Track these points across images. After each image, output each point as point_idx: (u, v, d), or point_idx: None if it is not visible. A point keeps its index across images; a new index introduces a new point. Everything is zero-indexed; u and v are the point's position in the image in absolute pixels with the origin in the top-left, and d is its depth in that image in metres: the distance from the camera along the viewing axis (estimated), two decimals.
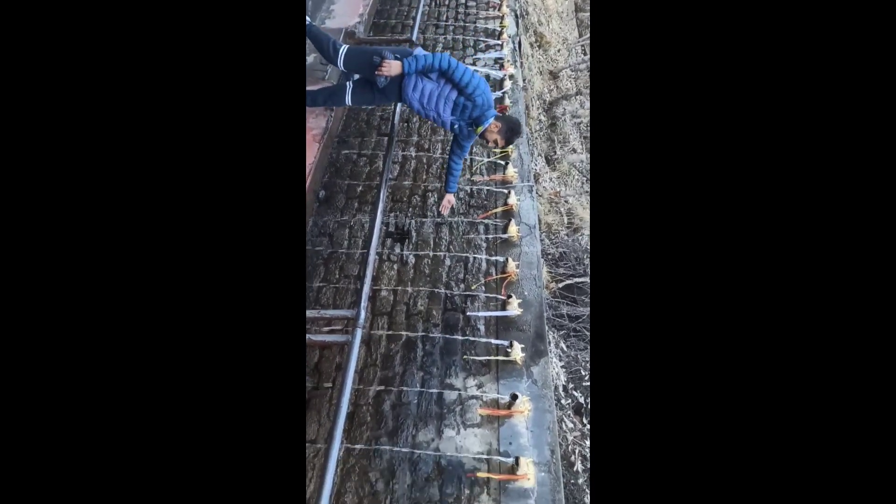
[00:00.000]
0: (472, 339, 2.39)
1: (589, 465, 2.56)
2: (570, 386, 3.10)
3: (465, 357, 2.35)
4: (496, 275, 2.68)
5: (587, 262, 4.58)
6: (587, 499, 2.09)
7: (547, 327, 2.52)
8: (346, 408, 1.92)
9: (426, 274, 2.73)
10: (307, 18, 2.58)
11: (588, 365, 3.34)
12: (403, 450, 2.04)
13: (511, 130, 2.41)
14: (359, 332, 2.02)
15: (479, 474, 1.96)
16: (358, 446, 2.06)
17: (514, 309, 2.44)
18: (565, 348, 3.34)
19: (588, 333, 3.84)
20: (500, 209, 2.97)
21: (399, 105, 3.26)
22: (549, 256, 4.65)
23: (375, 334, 2.45)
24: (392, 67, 2.29)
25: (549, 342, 2.64)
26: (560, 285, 3.95)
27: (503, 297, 2.51)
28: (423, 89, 2.34)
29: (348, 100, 2.56)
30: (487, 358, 2.33)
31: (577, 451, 2.38)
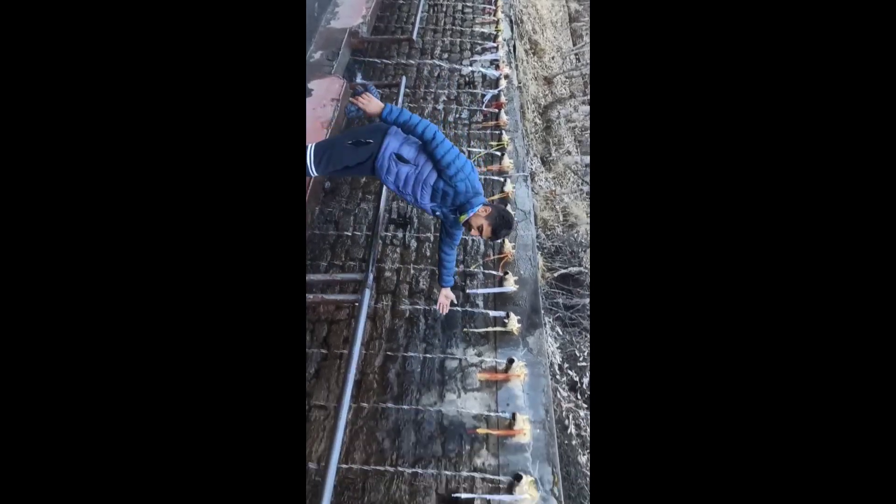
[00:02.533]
0: (470, 310, 2.54)
1: (589, 437, 2.69)
2: (566, 366, 3.24)
3: (465, 329, 2.50)
4: (493, 256, 2.84)
5: (582, 255, 4.74)
6: (581, 458, 2.23)
7: (542, 305, 2.68)
8: (354, 372, 2.06)
9: (427, 256, 2.89)
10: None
11: (582, 348, 3.49)
12: (406, 407, 2.18)
13: (500, 218, 2.00)
14: (367, 292, 2.16)
15: (479, 431, 2.10)
16: (366, 405, 2.20)
17: (510, 285, 2.59)
18: (560, 332, 3.49)
19: (583, 321, 4.00)
20: (496, 197, 3.14)
21: (402, 95, 3.44)
22: (545, 250, 4.82)
23: (380, 309, 2.60)
24: (372, 104, 1.97)
25: (545, 324, 2.79)
26: (555, 275, 4.11)
27: (500, 275, 2.66)
28: (398, 173, 2.02)
29: (311, 170, 2.13)
30: (486, 329, 2.48)
31: (570, 417, 2.51)
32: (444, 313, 2.41)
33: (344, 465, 2.02)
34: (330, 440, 1.90)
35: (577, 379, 3.14)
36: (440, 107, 3.96)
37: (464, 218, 2.02)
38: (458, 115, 3.89)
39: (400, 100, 3.74)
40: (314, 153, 2.11)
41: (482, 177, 3.31)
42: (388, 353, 2.42)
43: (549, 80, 8.23)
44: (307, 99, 3.15)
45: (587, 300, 4.13)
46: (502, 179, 3.21)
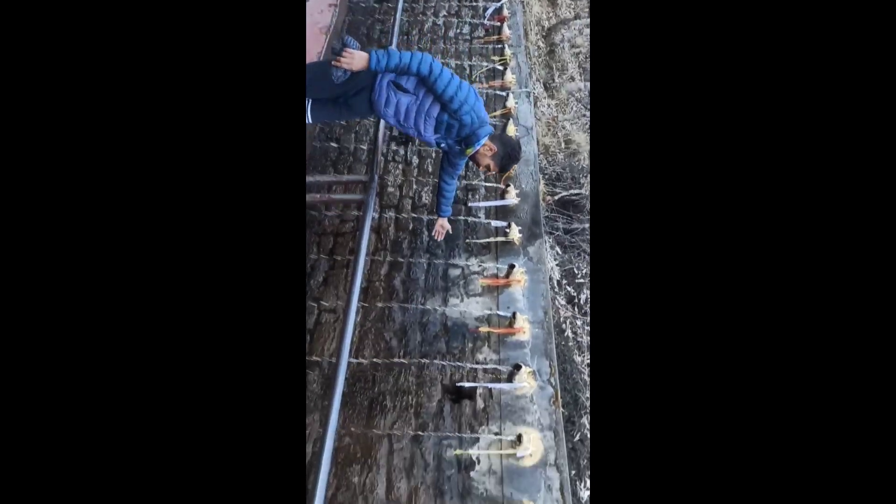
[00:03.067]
0: (473, 219, 2.61)
1: (584, 342, 2.84)
2: (564, 282, 3.35)
3: (467, 241, 2.57)
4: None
5: (583, 181, 4.74)
6: (576, 357, 2.38)
7: (543, 221, 2.73)
8: (360, 276, 2.15)
9: (429, 172, 2.90)
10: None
11: (581, 266, 3.59)
12: (411, 306, 2.30)
13: (508, 156, 2.00)
14: (373, 191, 2.21)
15: (482, 329, 2.22)
16: (373, 308, 2.31)
17: (511, 198, 2.63)
18: (560, 252, 3.57)
19: (582, 244, 4.07)
20: (498, 113, 3.10)
21: (400, 10, 3.31)
22: (547, 176, 4.81)
23: (384, 221, 2.66)
24: (355, 59, 1.77)
25: (545, 234, 2.85)
26: (556, 198, 4.14)
27: (502, 187, 2.69)
28: (398, 105, 1.89)
29: (308, 117, 2.04)
30: (488, 240, 2.55)
31: (567, 323, 2.64)
32: (440, 239, 2.44)
33: (354, 360, 2.16)
34: (340, 339, 2.02)
35: (574, 294, 3.26)
36: (440, 21, 3.81)
37: (470, 151, 1.96)
38: (458, 30, 3.74)
39: (398, 15, 3.60)
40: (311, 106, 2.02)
41: (483, 92, 3.25)
42: (393, 262, 2.50)
43: (552, 2, 7.81)
44: (306, 4, 3.03)
45: (587, 225, 4.18)
46: (504, 94, 3.15)
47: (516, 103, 3.11)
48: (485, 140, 1.93)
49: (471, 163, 2.22)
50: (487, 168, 2.03)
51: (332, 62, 1.82)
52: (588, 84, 6.78)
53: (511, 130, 2.94)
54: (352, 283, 2.15)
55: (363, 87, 1.95)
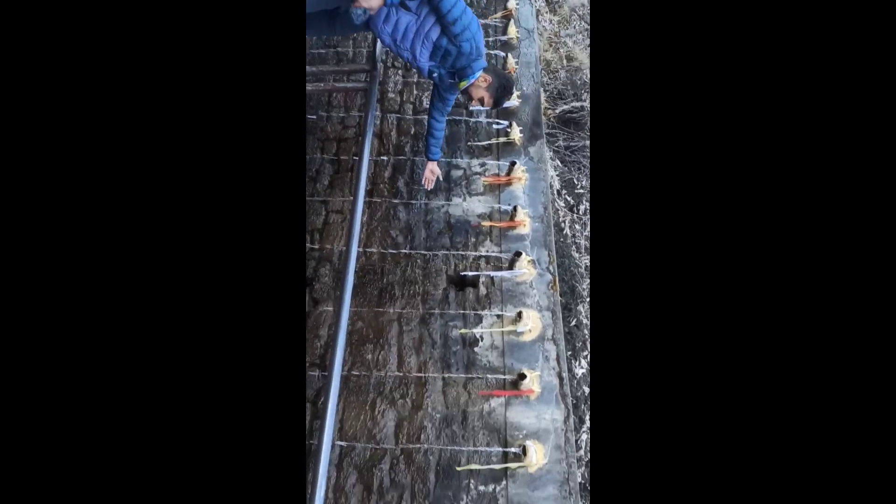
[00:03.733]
0: (473, 120, 2.63)
1: (582, 243, 2.95)
2: (564, 192, 3.42)
3: (468, 143, 2.60)
4: None
5: (584, 96, 4.67)
6: (574, 253, 2.50)
7: (543, 122, 2.74)
8: (366, 172, 2.21)
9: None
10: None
11: (580, 178, 3.63)
12: (415, 202, 2.38)
13: (502, 88, 1.96)
14: (377, 80, 2.22)
15: (483, 223, 2.31)
16: (379, 208, 2.40)
17: (513, 100, 2.63)
18: (559, 164, 3.60)
19: (582, 160, 4.10)
20: (499, 14, 3.02)
21: None
22: (548, 93, 4.73)
23: (386, 127, 2.68)
24: None
25: (547, 160, 2.88)
26: (557, 111, 4.11)
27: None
28: (398, 22, 1.82)
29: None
30: (489, 142, 2.58)
31: (566, 222, 2.73)
32: (430, 188, 2.34)
33: (362, 253, 2.27)
34: (348, 236, 2.12)
35: (573, 203, 3.33)
36: None
37: (463, 85, 1.91)
38: None
39: None
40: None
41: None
42: (396, 164, 2.55)
43: None
44: None
45: (587, 142, 4.18)
46: None
47: (517, 4, 3.03)
48: (479, 74, 1.89)
49: (462, 98, 2.14)
50: (481, 101, 1.99)
51: (353, 4, 1.75)
52: None
53: (512, 31, 2.88)
54: (357, 184, 2.21)
55: None
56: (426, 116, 2.30)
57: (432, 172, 2.31)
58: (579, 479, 2.10)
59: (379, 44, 2.60)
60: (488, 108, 2.01)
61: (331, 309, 2.15)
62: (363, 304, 2.16)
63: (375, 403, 1.95)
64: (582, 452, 2.43)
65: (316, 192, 2.48)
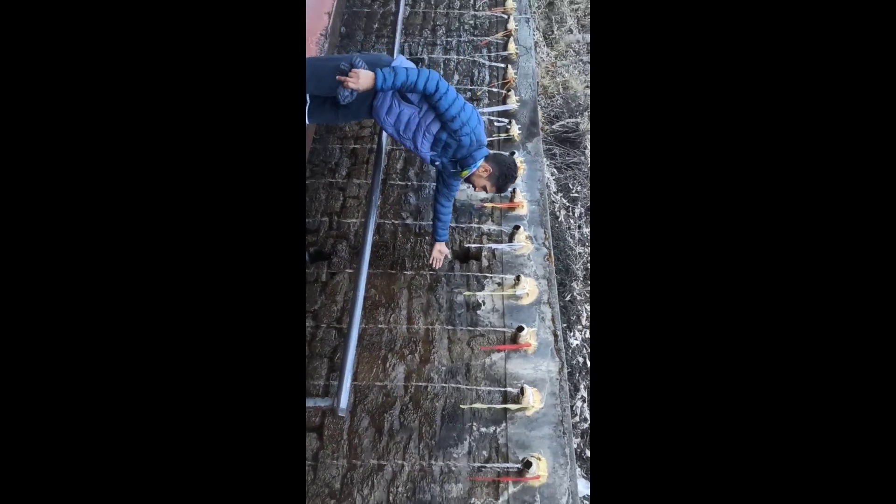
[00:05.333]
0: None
1: (575, 232, 3.18)
2: (559, 195, 3.69)
3: None
4: (497, 83, 3.16)
5: (579, 116, 5.04)
6: (568, 238, 2.71)
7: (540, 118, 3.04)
8: (381, 163, 2.48)
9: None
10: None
11: (575, 184, 3.91)
12: (425, 184, 2.63)
13: (504, 176, 1.95)
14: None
15: (486, 205, 2.56)
16: (391, 195, 2.65)
17: (512, 103, 2.94)
18: (556, 171, 3.89)
19: (577, 173, 4.40)
20: (499, 34, 3.39)
21: None
22: (545, 116, 5.10)
23: None
24: (361, 79, 1.72)
25: (542, 153, 3.17)
26: (554, 126, 4.43)
27: (504, 92, 3.00)
28: (401, 115, 1.85)
29: (306, 118, 1.92)
30: (491, 138, 2.87)
31: (562, 212, 2.95)
32: (438, 267, 2.35)
33: (376, 229, 2.51)
34: (365, 217, 2.37)
35: (568, 205, 3.59)
36: None
37: (465, 174, 1.94)
38: None
39: None
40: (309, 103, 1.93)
41: (486, 19, 3.53)
42: (408, 157, 2.83)
43: None
44: None
45: (582, 158, 4.50)
46: (505, 17, 3.44)
47: (517, 25, 3.40)
48: (480, 162, 1.92)
49: (466, 183, 2.12)
50: (484, 189, 2.00)
51: (340, 81, 1.77)
52: (587, 36, 7.01)
53: (512, 47, 3.23)
54: (375, 173, 2.47)
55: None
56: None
57: (440, 252, 2.34)
58: (575, 447, 2.25)
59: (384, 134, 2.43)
60: (492, 193, 2.07)
61: (347, 280, 2.37)
62: (376, 276, 2.38)
63: (387, 358, 2.14)
64: (577, 419, 2.57)
65: (335, 179, 2.75)
